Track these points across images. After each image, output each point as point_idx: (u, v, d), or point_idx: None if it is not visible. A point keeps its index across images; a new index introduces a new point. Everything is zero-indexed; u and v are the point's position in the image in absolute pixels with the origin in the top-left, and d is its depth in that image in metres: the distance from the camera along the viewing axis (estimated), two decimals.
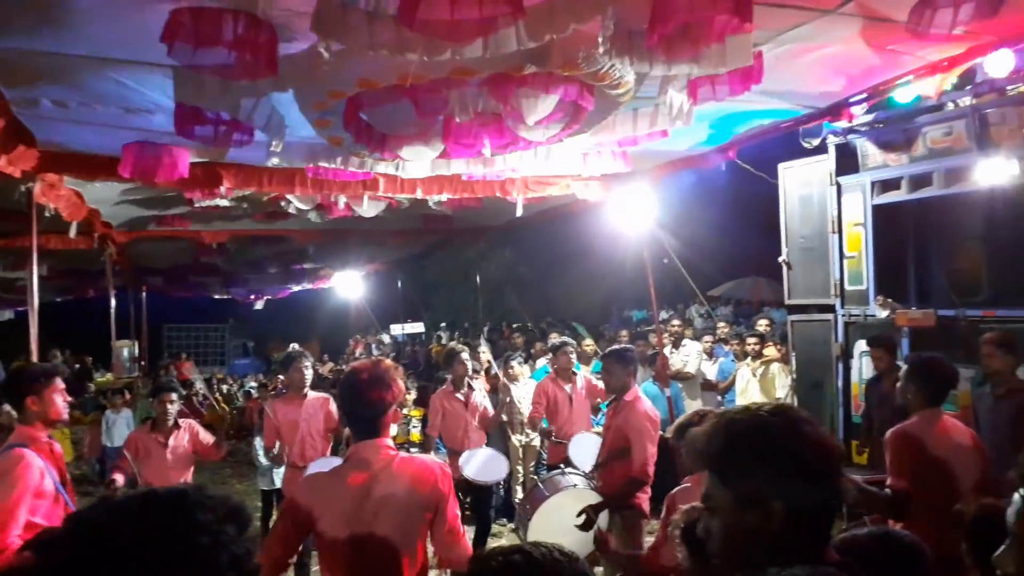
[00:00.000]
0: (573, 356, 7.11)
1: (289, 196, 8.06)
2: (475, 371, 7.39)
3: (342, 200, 7.88)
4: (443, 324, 20.81)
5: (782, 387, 7.72)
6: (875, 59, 4.53)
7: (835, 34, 4.12)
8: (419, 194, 7.10)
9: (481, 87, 3.92)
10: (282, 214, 8.23)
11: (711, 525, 1.52)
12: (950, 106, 6.20)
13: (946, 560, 2.46)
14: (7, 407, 5.49)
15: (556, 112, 4.39)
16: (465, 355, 6.90)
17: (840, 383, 6.97)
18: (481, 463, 6.10)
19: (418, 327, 20.56)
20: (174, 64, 3.47)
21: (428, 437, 7.00)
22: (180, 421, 5.86)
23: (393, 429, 2.99)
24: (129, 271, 13.30)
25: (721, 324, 10.39)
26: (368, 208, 8.19)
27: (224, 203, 7.24)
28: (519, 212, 7.98)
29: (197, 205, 7.21)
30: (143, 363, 15.36)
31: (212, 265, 13.18)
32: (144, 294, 16.23)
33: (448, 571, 2.87)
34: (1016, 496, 1.68)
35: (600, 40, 3.34)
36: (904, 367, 4.06)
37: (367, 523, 2.65)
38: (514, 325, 14.69)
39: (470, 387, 6.80)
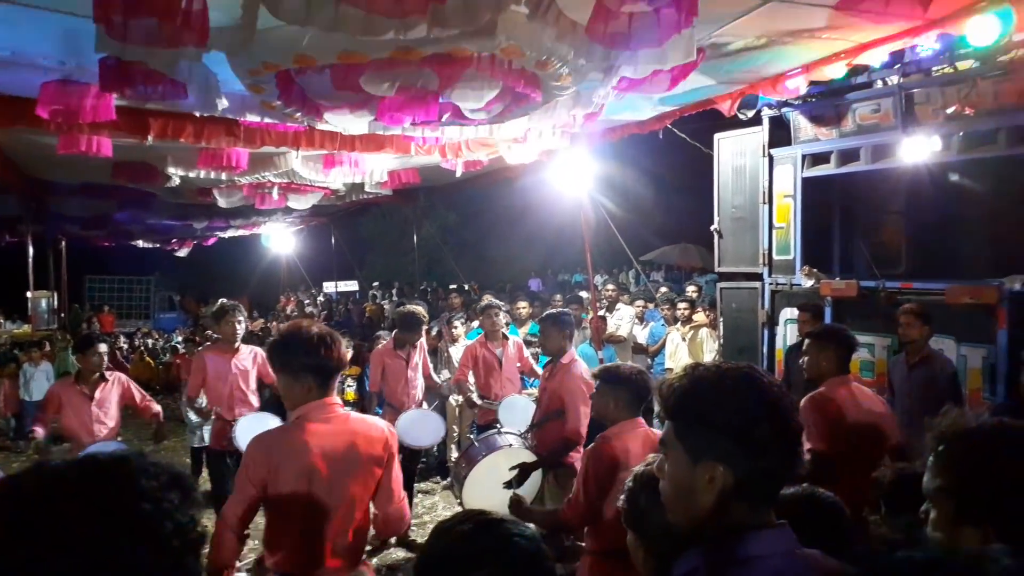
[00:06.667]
0: (499, 318, 7.02)
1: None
2: None
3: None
4: (376, 283, 20.61)
5: (710, 351, 7.94)
6: (812, 43, 4.66)
7: (771, 24, 4.19)
8: (356, 151, 7.03)
9: (423, 67, 3.83)
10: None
11: (663, 474, 1.50)
12: (879, 84, 6.39)
13: (863, 521, 2.60)
14: None
15: (498, 99, 4.33)
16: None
17: (765, 349, 7.21)
18: (417, 427, 6.03)
19: (352, 285, 20.30)
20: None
21: (370, 394, 6.91)
22: (108, 374, 5.71)
23: None
24: (46, 218, 12.70)
25: (663, 289, 10.60)
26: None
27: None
28: (458, 173, 7.98)
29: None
30: (62, 315, 14.82)
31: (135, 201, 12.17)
32: (64, 243, 15.56)
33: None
34: (931, 459, 1.72)
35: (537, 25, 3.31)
36: (810, 340, 4.11)
37: (321, 480, 2.66)
38: (451, 287, 14.63)
39: (412, 345, 6.75)
